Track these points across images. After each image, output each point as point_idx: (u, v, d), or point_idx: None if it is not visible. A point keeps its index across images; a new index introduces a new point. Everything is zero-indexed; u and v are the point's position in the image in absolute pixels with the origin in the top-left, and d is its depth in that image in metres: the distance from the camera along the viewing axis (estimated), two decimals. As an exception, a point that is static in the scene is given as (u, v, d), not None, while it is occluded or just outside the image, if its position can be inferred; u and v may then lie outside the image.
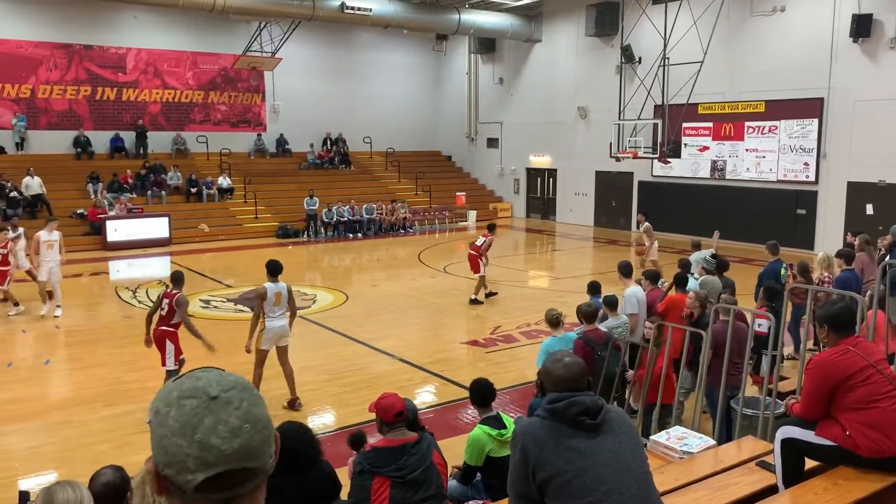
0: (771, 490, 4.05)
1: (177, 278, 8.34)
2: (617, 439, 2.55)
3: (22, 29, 23.38)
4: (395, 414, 4.03)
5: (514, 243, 24.06)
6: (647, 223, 14.69)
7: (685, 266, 9.43)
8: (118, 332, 11.21)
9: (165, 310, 8.12)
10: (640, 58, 22.90)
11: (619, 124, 21.86)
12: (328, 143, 29.01)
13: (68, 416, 8.29)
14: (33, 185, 21.05)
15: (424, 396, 8.96)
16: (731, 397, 6.37)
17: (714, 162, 22.23)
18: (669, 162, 21.75)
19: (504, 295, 14.51)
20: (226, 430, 1.15)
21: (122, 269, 18.19)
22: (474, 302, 13.86)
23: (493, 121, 29.77)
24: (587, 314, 7.00)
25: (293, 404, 8.27)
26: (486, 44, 29.16)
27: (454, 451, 5.62)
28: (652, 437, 5.07)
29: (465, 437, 6.65)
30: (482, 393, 5.12)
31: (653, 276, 8.67)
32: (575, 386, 2.60)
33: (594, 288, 8.58)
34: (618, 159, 22.01)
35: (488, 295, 14.16)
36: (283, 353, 8.36)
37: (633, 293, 8.19)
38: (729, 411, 6.39)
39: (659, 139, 20.61)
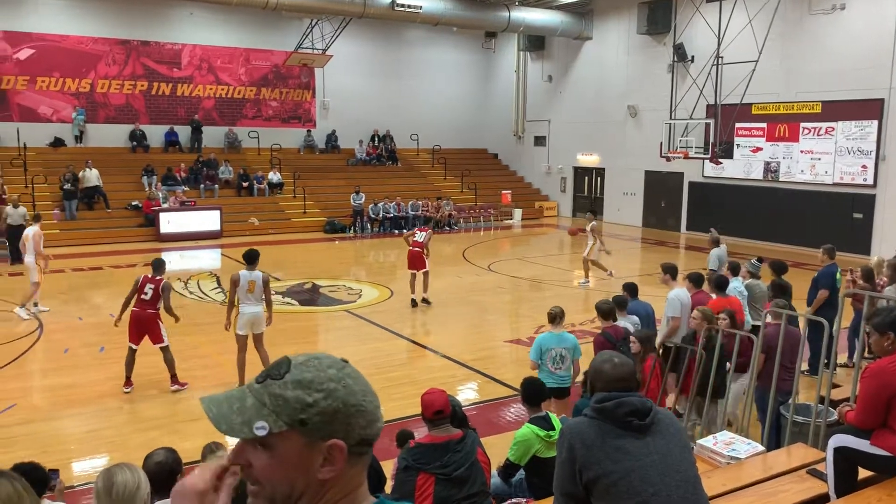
0: (822, 499, 3.96)
1: (158, 265, 8.94)
2: (665, 441, 2.53)
3: (83, 25, 24.09)
4: (434, 412, 4.05)
5: (559, 242, 23.91)
6: (594, 222, 15.18)
7: (735, 269, 9.26)
8: (170, 322, 11.44)
9: (150, 295, 8.65)
10: (692, 56, 22.53)
11: (670, 124, 21.56)
12: (376, 139, 29.23)
13: (122, 402, 8.53)
14: (91, 177, 21.68)
15: (467, 393, 8.99)
16: (782, 403, 6.24)
17: (767, 163, 21.74)
18: (721, 163, 21.35)
19: (549, 294, 14.43)
20: (365, 380, 1.28)
21: (174, 261, 18.58)
22: (425, 302, 13.34)
23: (541, 119, 29.60)
24: (605, 311, 7.09)
25: None
26: (536, 41, 29.00)
27: (496, 450, 5.62)
28: (699, 442, 5.01)
29: (507, 436, 6.67)
30: (533, 392, 5.12)
31: (697, 280, 8.52)
32: (624, 386, 2.59)
33: (631, 289, 8.46)
34: (668, 159, 21.71)
35: (424, 301, 13.45)
36: (257, 339, 8.73)
37: (676, 295, 8.09)
38: (778, 417, 6.26)
39: (711, 139, 20.27)
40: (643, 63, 24.95)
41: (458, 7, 24.51)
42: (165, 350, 8.81)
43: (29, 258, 12.29)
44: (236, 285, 8.59)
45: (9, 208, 17.66)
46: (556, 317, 7.19)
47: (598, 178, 27.80)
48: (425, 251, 13.26)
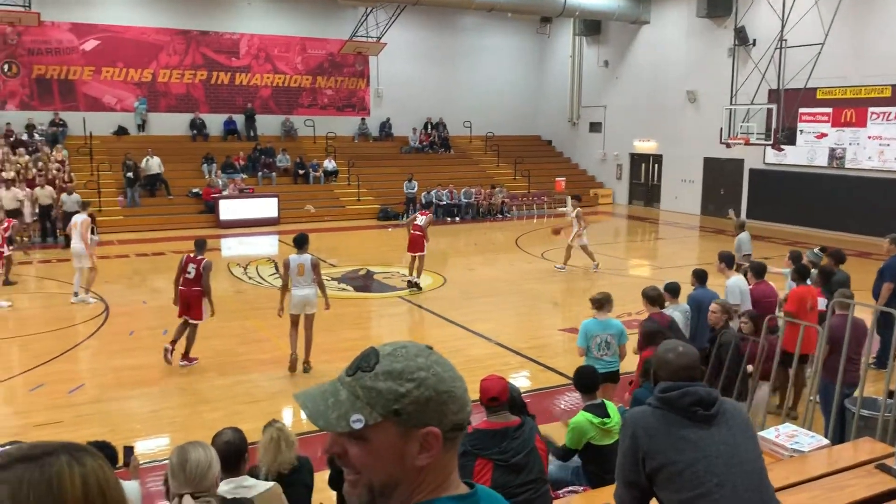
0: (892, 494, 3.84)
1: (199, 245, 9.33)
2: (731, 432, 2.49)
3: (146, 16, 24.71)
4: (489, 398, 4.06)
5: (614, 230, 23.64)
6: (579, 208, 15.10)
7: (796, 257, 9.01)
8: (230, 306, 11.72)
9: (192, 274, 9.01)
10: (754, 40, 21.91)
11: (730, 109, 21.02)
12: (429, 127, 29.27)
13: (184, 383, 8.78)
14: (153, 165, 22.29)
15: (521, 381, 8.98)
16: (847, 396, 6.07)
17: (832, 150, 21.04)
18: (783, 149, 20.75)
19: (603, 283, 14.27)
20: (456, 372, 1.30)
21: (233, 247, 19.03)
22: (413, 285, 13.47)
23: (597, 104, 29.20)
24: (651, 298, 7.07)
25: (305, 367, 9.02)
26: (592, 26, 28.57)
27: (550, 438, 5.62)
28: (760, 434, 4.90)
29: (560, 424, 6.65)
30: (587, 380, 5.10)
31: (758, 270, 8.31)
32: (689, 375, 2.55)
33: (700, 276, 8.31)
34: (728, 145, 21.19)
35: (412, 284, 13.57)
36: (308, 321, 9.05)
37: (735, 283, 7.92)
38: (842, 410, 6.09)
39: (773, 125, 19.68)
40: (702, 47, 24.37)
41: (513, -8, 24.32)
42: (194, 327, 9.17)
43: (77, 244, 12.58)
44: (287, 268, 8.90)
45: (63, 195, 18.27)
46: (600, 303, 7.11)
47: (656, 165, 27.32)
48: (426, 235, 13.58)
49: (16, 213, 17.88)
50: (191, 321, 9.16)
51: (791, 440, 4.75)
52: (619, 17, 26.37)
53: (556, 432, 5.88)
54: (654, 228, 23.47)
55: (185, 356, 9.21)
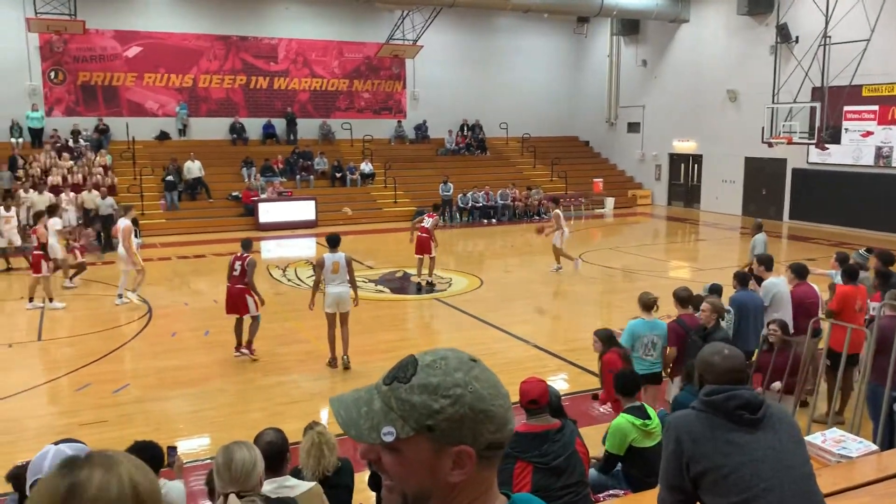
0: (945, 503, 3.72)
1: (245, 244, 9.74)
2: (778, 436, 2.44)
3: (187, 22, 25.16)
4: (528, 400, 4.04)
5: (653, 231, 23.37)
6: (556, 210, 15.10)
7: (844, 259, 8.80)
8: (270, 308, 11.81)
9: (238, 271, 9.38)
10: (797, 37, 21.48)
11: (772, 108, 20.66)
12: (465, 129, 29.28)
13: (225, 384, 8.91)
14: (194, 168, 22.68)
15: (559, 384, 8.91)
16: (896, 401, 5.90)
17: (879, 148, 20.51)
18: (828, 148, 20.31)
19: (642, 285, 14.08)
20: (494, 378, 1.25)
21: (272, 249, 19.25)
22: (429, 285, 13.73)
23: (635, 104, 28.91)
24: (682, 299, 7.03)
25: (345, 363, 9.22)
26: (630, 25, 28.31)
27: (589, 441, 5.55)
28: (806, 438, 4.80)
29: (600, 428, 6.59)
30: (628, 383, 5.05)
31: (799, 271, 8.12)
32: (735, 378, 2.51)
33: (742, 278, 8.16)
34: (770, 145, 20.83)
35: (429, 285, 13.87)
36: (343, 318, 9.25)
37: (772, 284, 7.76)
38: (892, 416, 5.93)
39: (817, 124, 19.31)
40: (743, 45, 23.97)
41: (550, -7, 24.22)
42: (255, 319, 9.54)
43: (121, 249, 12.91)
44: (321, 267, 9.12)
45: (97, 199, 18.65)
46: (648, 304, 7.06)
47: (696, 165, 26.94)
48: (433, 237, 13.87)
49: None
50: (248, 316, 9.52)
51: (838, 445, 4.64)
52: (658, 16, 26.07)
53: (595, 435, 5.83)
54: (694, 229, 23.14)
55: (248, 345, 9.55)
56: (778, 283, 7.82)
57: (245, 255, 9.53)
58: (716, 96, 25.07)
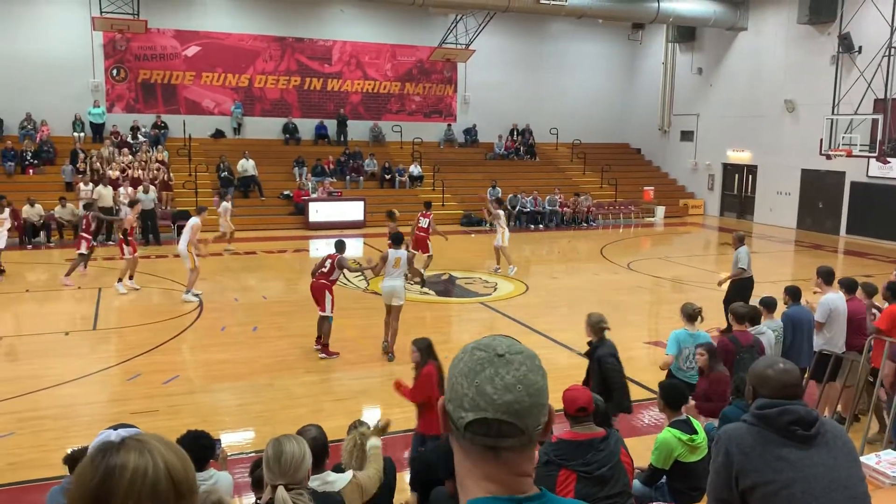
0: None
1: (338, 245, 10.24)
2: (832, 454, 2.37)
3: (245, 23, 25.66)
4: (577, 408, 4.00)
5: (704, 242, 22.96)
6: (499, 211, 15.65)
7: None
8: (313, 305, 11.96)
9: (327, 268, 9.84)
10: (860, 47, 20.90)
11: (831, 119, 20.14)
12: (514, 133, 29.21)
13: (271, 379, 9.04)
14: (248, 167, 23.09)
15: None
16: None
17: (944, 163, 19.81)
18: (889, 162, 19.68)
19: (692, 296, 13.83)
20: (500, 383, 1.30)
21: (320, 248, 19.44)
22: (422, 281, 14.09)
23: (689, 113, 28.47)
24: (738, 314, 6.89)
25: (390, 356, 9.73)
26: (686, 32, 27.90)
27: (633, 452, 5.49)
28: (860, 459, 4.65)
29: (645, 439, 6.50)
30: (674, 396, 4.96)
31: (849, 286, 7.87)
32: (791, 393, 2.45)
33: (794, 293, 7.96)
34: (829, 157, 20.29)
35: (422, 282, 14.18)
36: (394, 311, 9.89)
37: (828, 301, 7.55)
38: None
39: (879, 136, 18.73)
40: (803, 55, 23.41)
41: (605, -1, 24.03)
42: (325, 319, 9.84)
43: (182, 246, 13.08)
44: (386, 260, 9.80)
45: (139, 192, 19.09)
46: (692, 315, 6.94)
47: (750, 176, 26.39)
48: (430, 232, 14.71)
49: (111, 212, 18.86)
50: (321, 314, 9.88)
51: (893, 468, 4.49)
52: (715, 24, 25.64)
53: (639, 447, 5.75)
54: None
55: (325, 349, 9.86)
56: (835, 299, 7.59)
57: (337, 254, 10.02)
58: (773, 106, 24.53)
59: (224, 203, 18.19)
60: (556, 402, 6.43)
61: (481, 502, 1.31)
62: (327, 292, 9.78)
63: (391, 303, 9.81)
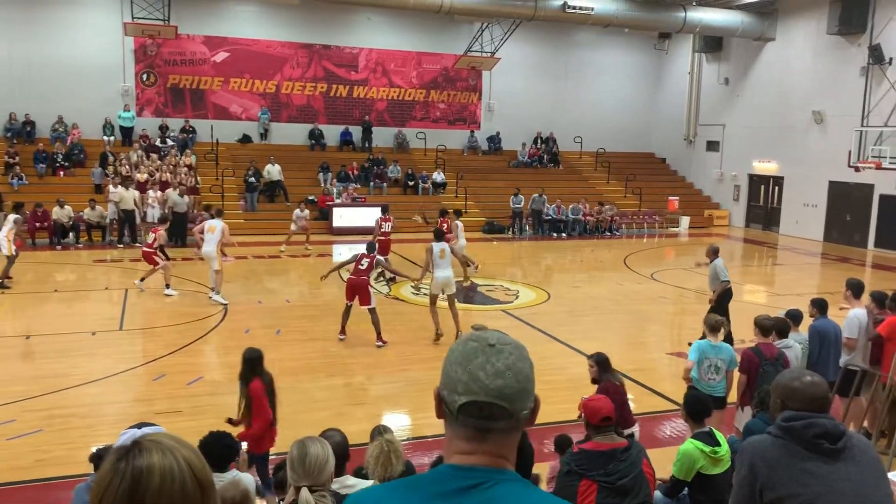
0: None
1: (371, 246, 11.23)
2: (859, 469, 2.35)
3: (273, 30, 25.94)
4: (601, 418, 4.00)
5: (729, 253, 22.72)
6: (457, 221, 15.82)
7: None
8: (340, 310, 12.04)
9: (365, 266, 10.71)
10: (891, 58, 20.66)
11: (861, 131, 19.91)
12: (538, 141, 29.19)
13: (294, 382, 9.08)
14: (273, 172, 23.31)
15: (626, 403, 8.76)
16: None
17: (977, 177, 19.49)
18: (920, 175, 19.41)
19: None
20: (491, 370, 1.44)
21: (343, 253, 19.54)
22: (390, 280, 14.97)
23: (715, 123, 28.27)
24: (763, 327, 6.82)
25: (458, 336, 10.19)
26: (712, 42, 27.74)
27: (655, 464, 5.45)
28: (889, 475, 4.59)
29: (667, 451, 6.46)
30: (697, 407, 4.93)
31: (880, 299, 7.75)
32: (819, 405, 2.43)
33: (821, 305, 7.84)
34: (857, 169, 20.07)
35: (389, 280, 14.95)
36: (451, 299, 10.99)
37: (856, 315, 7.44)
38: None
39: (909, 149, 18.47)
40: (832, 65, 23.16)
41: (631, 8, 23.97)
42: (373, 311, 10.61)
43: (208, 248, 13.16)
44: (431, 253, 10.82)
45: (175, 196, 19.32)
46: (714, 326, 6.89)
47: (776, 188, 26.13)
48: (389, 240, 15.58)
49: (133, 215, 19.13)
50: (367, 308, 10.60)
51: (921, 486, 4.43)
52: (743, 34, 25.47)
53: (662, 458, 5.71)
54: (772, 253, 22.42)
55: (379, 337, 10.66)
56: (860, 313, 7.48)
57: (372, 254, 10.92)
58: (800, 117, 24.28)
59: (297, 211, 19.68)
60: (562, 411, 6.37)
61: (453, 467, 1.44)
62: (369, 287, 10.65)
63: (445, 292, 10.79)
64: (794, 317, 7.47)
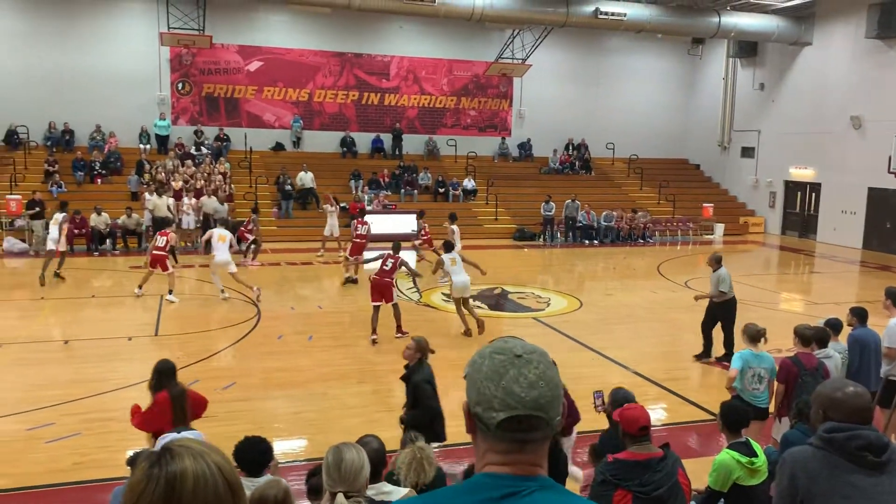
0: None
1: (397, 247, 11.82)
2: (905, 482, 2.29)
3: (305, 39, 26.22)
4: (639, 427, 3.95)
5: (765, 261, 22.41)
6: (453, 226, 16.20)
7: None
8: (368, 316, 12.10)
9: (390, 266, 11.22)
10: (932, 61, 20.20)
11: (901, 136, 19.46)
12: (570, 148, 29.06)
13: (326, 388, 9.15)
14: (306, 179, 23.52)
15: (658, 413, 8.66)
16: None
17: None
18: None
19: (752, 316, 13.50)
20: (525, 382, 1.44)
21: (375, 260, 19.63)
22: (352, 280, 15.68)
23: (750, 129, 27.89)
24: (803, 337, 6.74)
25: (480, 331, 11.44)
26: (747, 47, 27.40)
27: (690, 475, 5.37)
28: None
29: (701, 461, 6.36)
30: (735, 417, 4.84)
31: None
32: (862, 417, 2.37)
33: (860, 314, 7.67)
34: (897, 175, 19.61)
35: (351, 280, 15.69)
36: (466, 302, 11.76)
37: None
38: None
39: (952, 154, 18.03)
40: (871, 70, 22.73)
41: (664, 13, 23.79)
42: (395, 306, 11.27)
43: (223, 256, 13.75)
44: (441, 264, 11.77)
45: (215, 203, 19.60)
46: (754, 336, 6.78)
47: (813, 194, 25.68)
48: (366, 243, 16.13)
49: (166, 223, 19.40)
50: (391, 304, 11.17)
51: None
52: (778, 39, 25.12)
53: (697, 469, 5.63)
54: (809, 261, 22.02)
55: (398, 329, 11.20)
56: (904, 323, 7.30)
57: (397, 255, 11.44)
58: (838, 123, 23.86)
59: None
60: (597, 419, 6.25)
61: (490, 476, 1.45)
62: (393, 286, 11.22)
63: (465, 294, 11.57)
64: (834, 326, 7.32)
